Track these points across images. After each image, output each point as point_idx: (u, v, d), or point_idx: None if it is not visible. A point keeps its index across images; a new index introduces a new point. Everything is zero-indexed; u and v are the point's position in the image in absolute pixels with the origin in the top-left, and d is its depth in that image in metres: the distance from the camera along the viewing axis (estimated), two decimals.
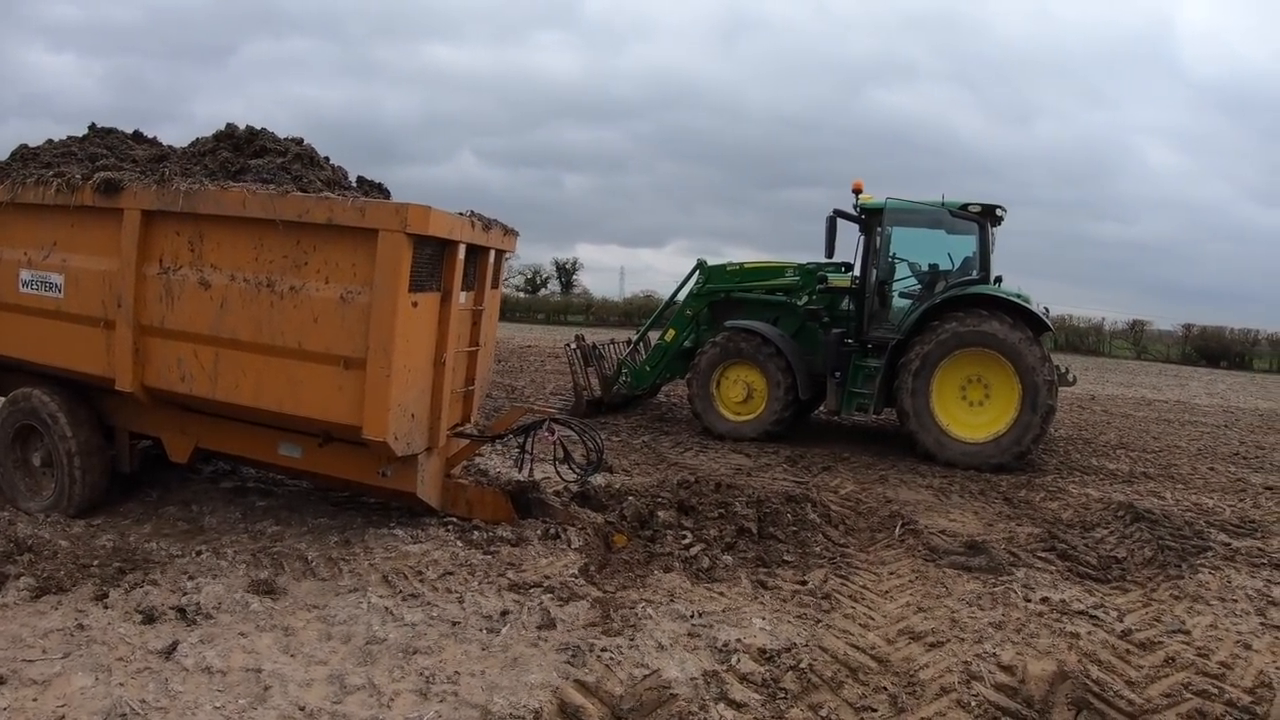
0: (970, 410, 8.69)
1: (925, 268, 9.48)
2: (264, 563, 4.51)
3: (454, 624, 3.96)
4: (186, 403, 4.81)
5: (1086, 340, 37.20)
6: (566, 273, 49.34)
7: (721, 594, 4.75)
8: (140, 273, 4.53)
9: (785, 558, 5.44)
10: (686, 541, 5.55)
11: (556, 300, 44.31)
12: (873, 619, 4.53)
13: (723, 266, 10.37)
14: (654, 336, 11.11)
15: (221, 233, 4.46)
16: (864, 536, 6.03)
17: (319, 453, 4.85)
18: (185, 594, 4.00)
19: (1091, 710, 3.66)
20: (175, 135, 5.48)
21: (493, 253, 5.49)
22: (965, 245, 9.27)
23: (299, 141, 5.07)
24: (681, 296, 10.74)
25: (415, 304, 4.47)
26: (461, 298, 5.00)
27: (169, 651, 3.46)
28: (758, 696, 3.59)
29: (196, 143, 4.97)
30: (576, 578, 4.70)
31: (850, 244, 9.90)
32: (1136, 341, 37.45)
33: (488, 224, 5.19)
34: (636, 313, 30.91)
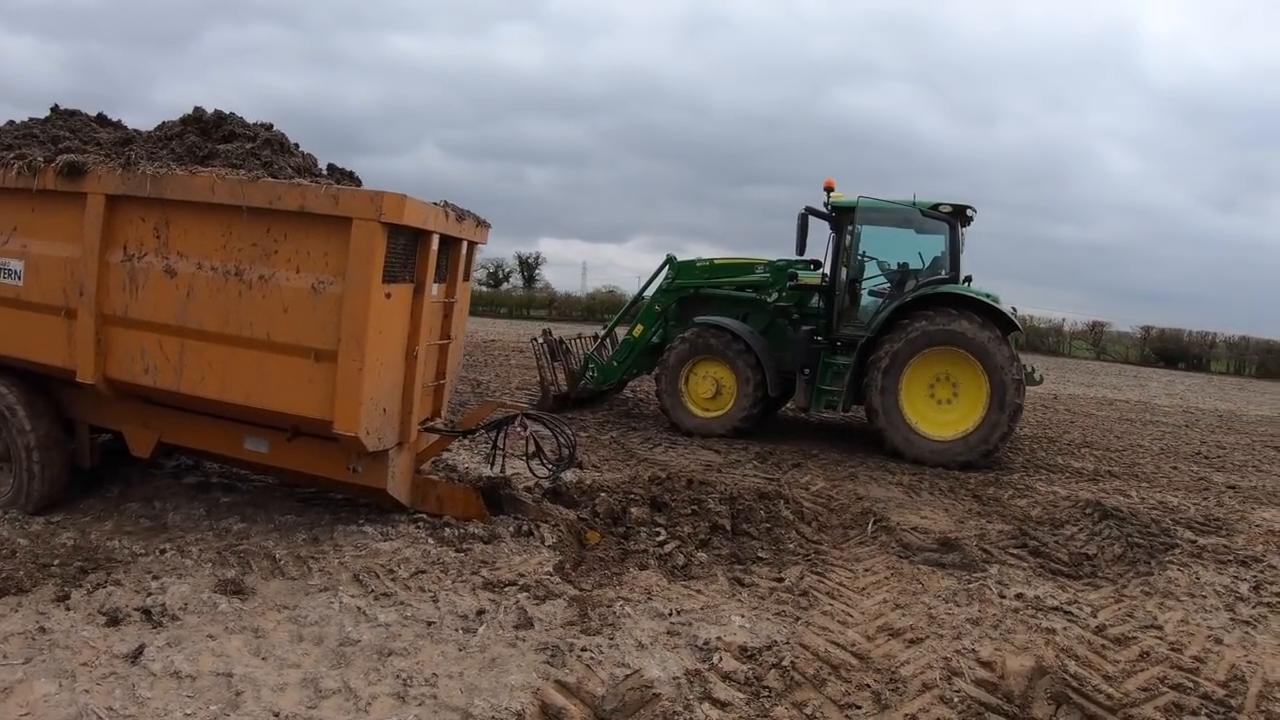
0: (938, 408, 8.77)
1: (894, 266, 9.54)
2: (231, 561, 4.37)
3: (429, 624, 3.87)
4: (150, 395, 4.64)
5: (1047, 340, 37.90)
6: (529, 267, 49.01)
7: (699, 591, 4.71)
8: (103, 260, 4.35)
9: (760, 555, 5.43)
10: (661, 539, 5.50)
11: (519, 295, 43.99)
12: (851, 616, 4.53)
13: (692, 262, 10.35)
14: (621, 332, 11.06)
15: (188, 219, 4.30)
16: (837, 533, 6.05)
17: (287, 448, 4.72)
18: (150, 594, 3.85)
19: (1071, 704, 3.70)
20: (135, 122, 5.25)
21: (465, 244, 5.39)
22: (934, 245, 9.36)
23: (268, 127, 4.92)
24: (650, 292, 10.68)
25: (388, 295, 4.36)
26: (434, 290, 4.90)
27: (135, 655, 3.33)
28: (741, 695, 3.56)
29: (163, 126, 4.79)
30: (552, 576, 4.63)
31: (820, 242, 9.96)
32: (1096, 342, 38.13)
33: (461, 215, 5.10)
34: (600, 308, 30.76)
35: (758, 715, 3.43)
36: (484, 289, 43.20)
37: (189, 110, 4.91)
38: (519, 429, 5.51)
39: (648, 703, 3.40)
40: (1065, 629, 4.49)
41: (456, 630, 3.85)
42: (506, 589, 4.36)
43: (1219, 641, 4.46)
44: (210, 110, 4.84)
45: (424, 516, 5.23)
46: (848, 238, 9.21)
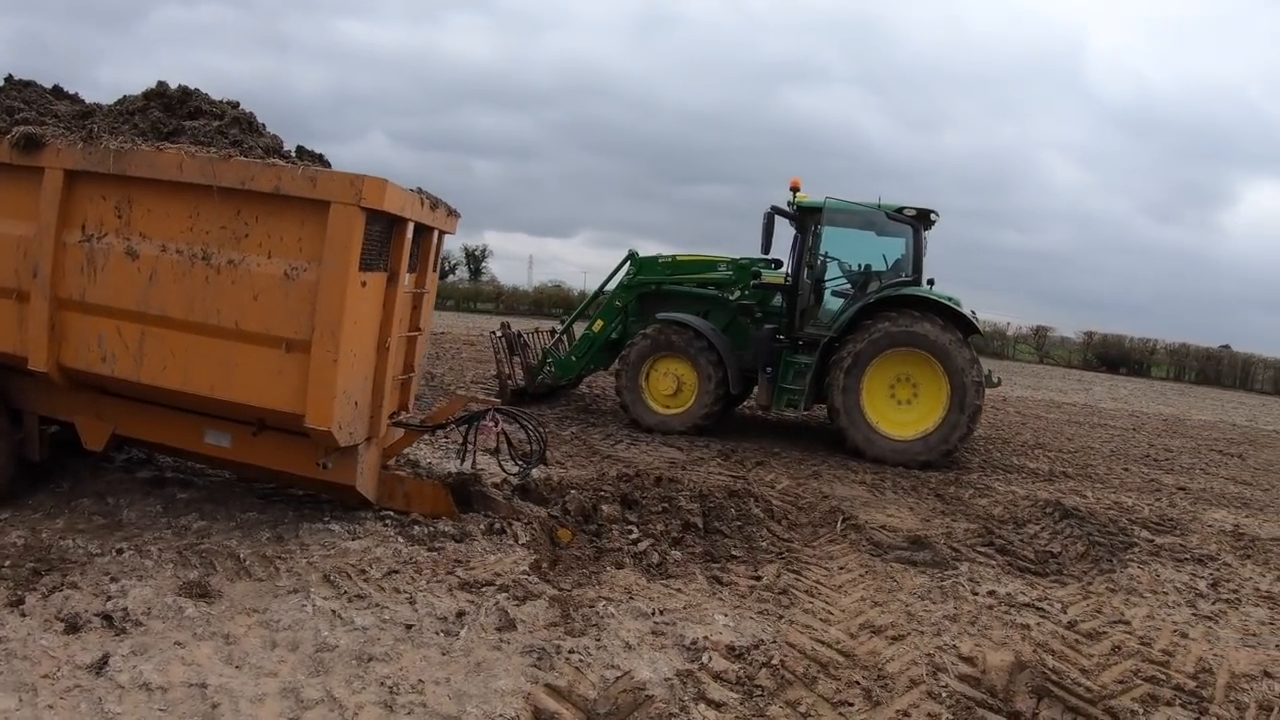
0: (898, 408, 8.87)
1: (857, 268, 9.61)
2: (193, 562, 4.14)
3: (408, 627, 3.72)
4: (106, 385, 4.38)
5: (991, 343, 38.87)
6: (476, 260, 48.42)
7: (679, 590, 4.65)
8: (60, 240, 4.09)
9: (734, 553, 5.40)
10: (634, 536, 5.43)
11: (466, 287, 43.38)
12: (832, 614, 4.52)
13: (654, 259, 10.30)
14: (580, 328, 10.96)
15: (153, 198, 4.07)
16: (807, 531, 6.05)
17: (251, 442, 4.51)
18: (110, 598, 3.61)
19: (1052, 697, 3.75)
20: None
21: (436, 233, 5.25)
22: (897, 247, 9.46)
23: (235, 105, 4.71)
24: (611, 287, 10.60)
25: (364, 284, 4.20)
26: (406, 279, 4.76)
27: (100, 666, 3.10)
28: (735, 695, 3.52)
29: (124, 100, 4.53)
30: (529, 575, 4.52)
31: (781, 238, 9.97)
32: (1039, 346, 39.10)
33: (435, 202, 4.95)
34: (547, 302, 30.51)
35: (753, 715, 3.38)
36: None
37: (135, 90, 4.67)
38: (490, 424, 5.38)
39: (641, 705, 3.33)
40: (1039, 624, 4.55)
41: (438, 633, 3.71)
42: (484, 589, 4.23)
43: (1185, 636, 4.57)
44: (174, 85, 4.60)
45: (391, 514, 5.05)
46: (812, 238, 9.25)
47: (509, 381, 9.98)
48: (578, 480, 6.28)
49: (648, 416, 9.45)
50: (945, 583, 5.12)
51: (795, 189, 9.27)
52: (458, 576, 4.34)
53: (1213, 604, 5.15)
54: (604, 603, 4.27)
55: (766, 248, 9.11)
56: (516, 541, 4.96)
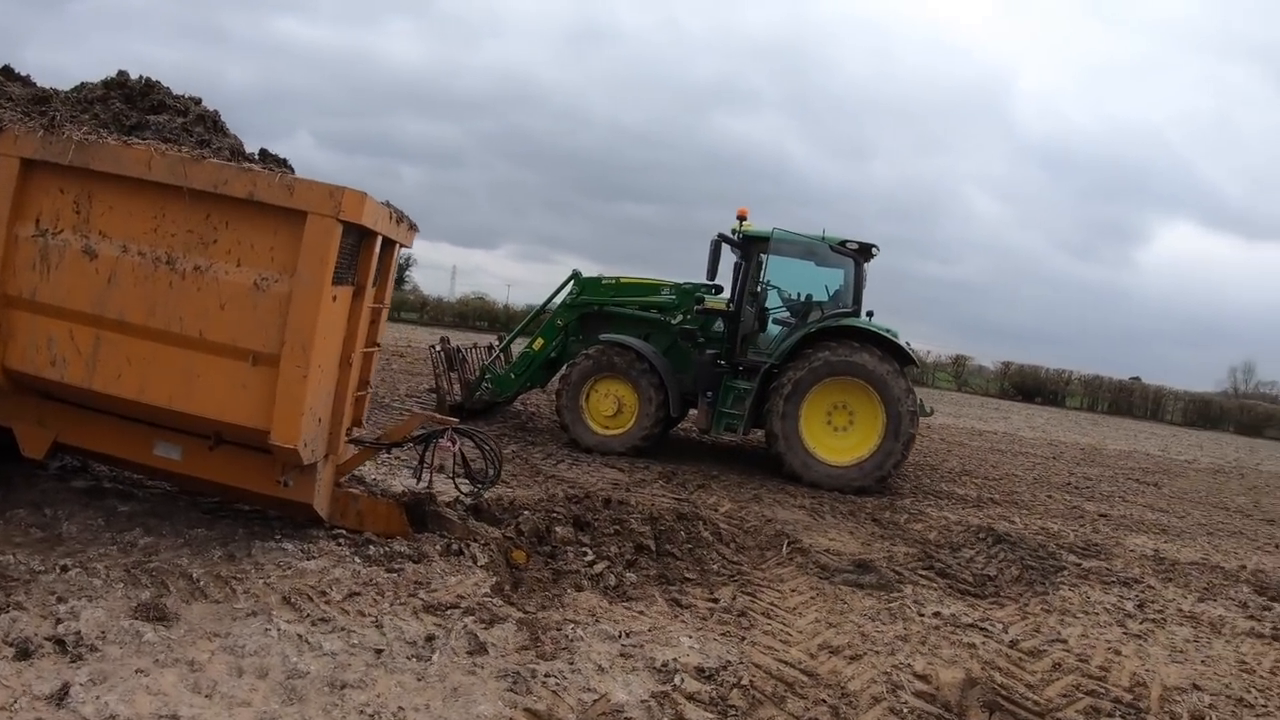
0: (835, 435, 9.10)
1: (796, 296, 9.85)
2: (143, 581, 3.93)
3: (378, 652, 3.61)
4: (53, 391, 4.15)
5: (912, 371, 39.76)
6: (400, 269, 47.46)
7: (641, 613, 4.67)
8: (11, 233, 3.85)
9: (687, 575, 5.45)
10: (589, 559, 5.42)
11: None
12: (790, 635, 4.61)
13: (598, 279, 10.35)
14: (519, 345, 10.91)
15: (115, 195, 3.89)
16: (754, 554, 6.14)
17: (205, 456, 4.31)
18: (61, 621, 3.37)
19: (1003, 711, 3.93)
20: None
21: (397, 247, 5.19)
22: (837, 278, 9.75)
23: (198, 101, 4.56)
24: (554, 306, 10.60)
25: (334, 298, 4.12)
26: (369, 294, 4.69)
27: (60, 696, 2.88)
28: (710, 715, 3.56)
29: (82, 88, 4.32)
30: (492, 598, 4.46)
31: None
32: (958, 375, 40.11)
33: (400, 216, 4.89)
34: (471, 314, 30.03)
35: None
36: None
37: (67, 73, 4.50)
38: (448, 444, 5.30)
39: None
40: (984, 644, 4.74)
41: (409, 658, 3.61)
42: (450, 612, 4.14)
43: (1118, 653, 4.84)
44: (136, 76, 4.44)
45: (344, 532, 4.91)
46: (755, 266, 9.45)
47: (447, 397, 9.84)
48: (528, 501, 6.22)
49: (587, 437, 9.44)
50: (892, 604, 5.28)
51: (742, 217, 9.47)
52: (420, 599, 4.24)
53: (1140, 623, 5.45)
54: (570, 625, 4.25)
55: (712, 274, 9.26)
56: (475, 563, 4.88)
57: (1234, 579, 7.11)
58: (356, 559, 4.60)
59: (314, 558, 4.55)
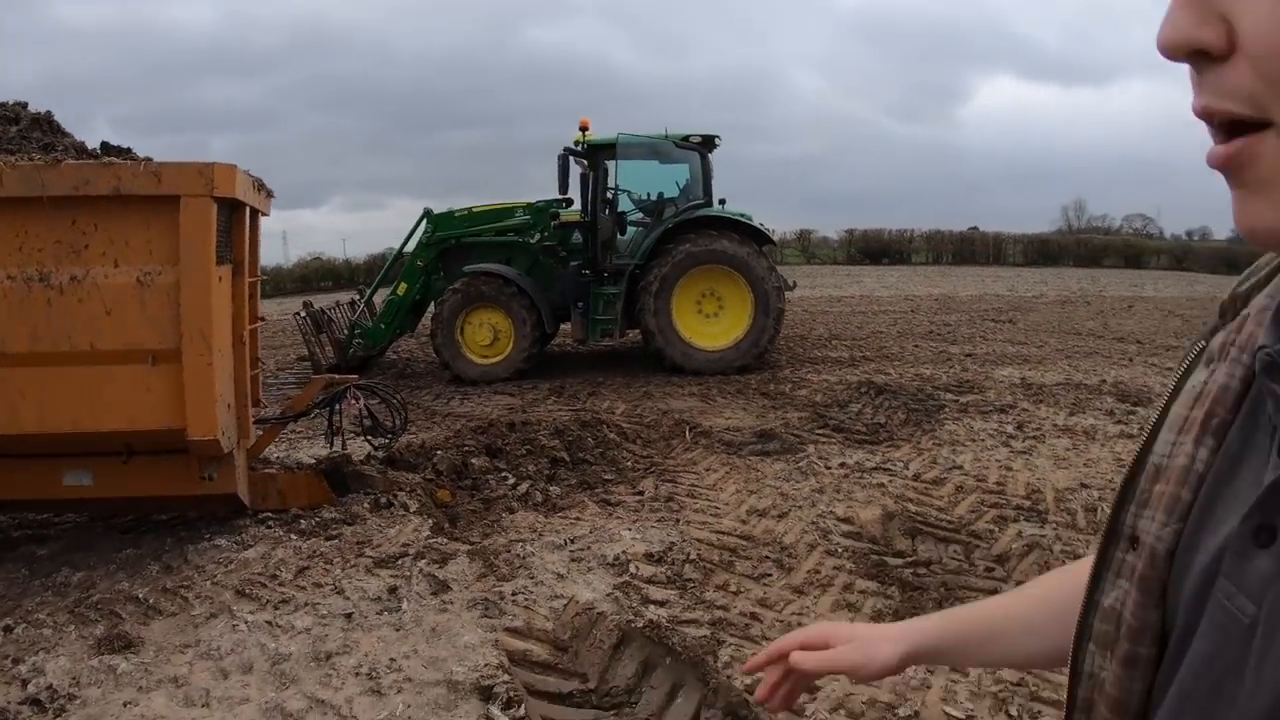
0: (707, 322, 9.49)
1: (649, 197, 10.03)
2: (92, 617, 3.72)
3: (348, 616, 3.67)
4: None
5: (771, 250, 40.55)
6: None
7: (578, 519, 4.90)
8: None
9: (605, 477, 5.70)
10: (511, 482, 5.59)
11: None
12: (718, 509, 4.97)
13: (450, 213, 10.17)
14: (380, 297, 10.66)
15: None
16: (661, 446, 6.45)
17: (120, 473, 4.10)
18: (27, 681, 3.18)
19: (923, 534, 4.43)
20: None
21: (259, 217, 4.98)
22: (684, 173, 9.98)
23: (24, 105, 4.19)
24: (410, 249, 10.37)
25: (220, 278, 3.97)
26: (248, 268, 4.51)
27: None
28: (673, 591, 3.85)
29: None
30: (435, 538, 4.57)
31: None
32: (805, 248, 40.95)
33: (260, 184, 4.69)
34: (313, 276, 28.44)
35: (695, 602, 3.74)
36: None
37: None
38: (352, 401, 5.25)
39: (598, 621, 3.56)
40: (890, 482, 5.27)
41: (380, 613, 3.70)
42: (400, 561, 4.22)
43: (1009, 469, 5.48)
44: None
45: (270, 514, 4.81)
46: (606, 173, 9.53)
47: (321, 361, 9.56)
48: (437, 441, 6.27)
49: (469, 369, 9.45)
50: (800, 464, 5.73)
51: (584, 128, 9.51)
52: (369, 557, 4.29)
53: (1023, 441, 6.16)
54: (518, 545, 4.43)
55: (564, 188, 9.29)
56: (408, 511, 4.94)
57: (1097, 392, 7.98)
58: (292, 536, 4.55)
59: (251, 546, 4.46)
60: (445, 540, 4.55)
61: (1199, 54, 0.47)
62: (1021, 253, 39.14)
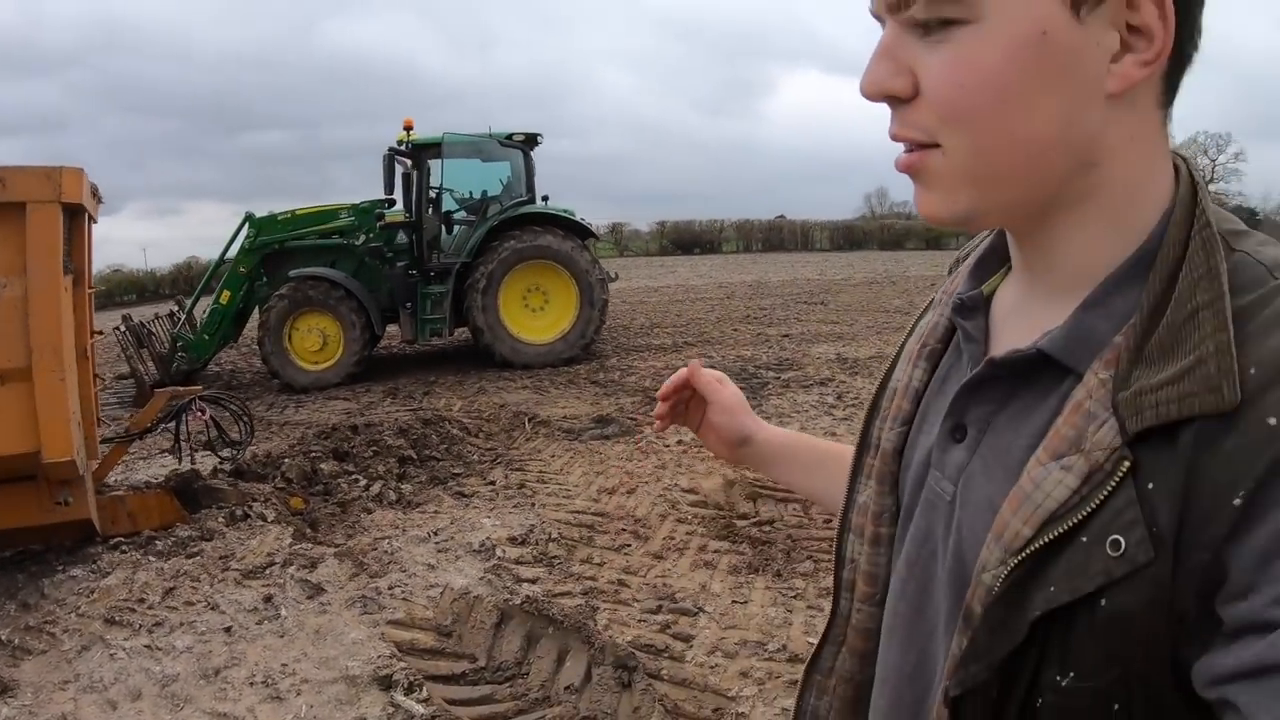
0: (534, 316, 9.82)
1: (470, 195, 10.19)
2: None
3: (228, 630, 3.71)
4: None
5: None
6: None
7: (436, 512, 5.13)
8: None
9: (454, 471, 5.94)
10: (363, 484, 5.70)
11: None
12: (570, 491, 5.35)
13: (273, 217, 9.85)
14: (202, 307, 10.18)
15: None
16: (504, 438, 6.75)
17: None
18: None
19: (763, 497, 4.99)
20: None
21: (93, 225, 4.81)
22: (506, 171, 10.20)
23: None
24: (231, 255, 9.96)
25: (66, 289, 3.87)
26: (88, 278, 4.40)
27: None
28: (542, 569, 4.20)
29: None
30: (300, 544, 4.64)
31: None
32: (618, 242, 41.38)
33: (94, 188, 4.54)
34: (116, 290, 25.95)
35: (564, 576, 4.11)
36: None
37: None
38: (199, 413, 5.18)
39: (476, 605, 3.84)
40: None
41: (260, 623, 3.77)
42: (269, 571, 4.28)
43: (834, 434, 6.20)
44: None
45: (122, 539, 4.65)
46: (429, 173, 9.61)
47: (145, 377, 9.03)
48: (282, 450, 6.25)
49: (300, 377, 9.27)
50: (640, 444, 6.23)
51: (409, 128, 9.53)
52: (235, 570, 4.31)
53: (844, 410, 6.96)
54: (384, 542, 4.61)
55: (389, 188, 9.29)
56: (266, 521, 4.96)
57: None
58: (151, 558, 4.47)
59: (109, 573, 4.33)
60: (310, 545, 4.64)
61: (893, 97, 0.60)
62: (828, 239, 41.15)
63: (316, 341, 9.35)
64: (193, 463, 5.29)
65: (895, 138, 0.61)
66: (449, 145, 9.66)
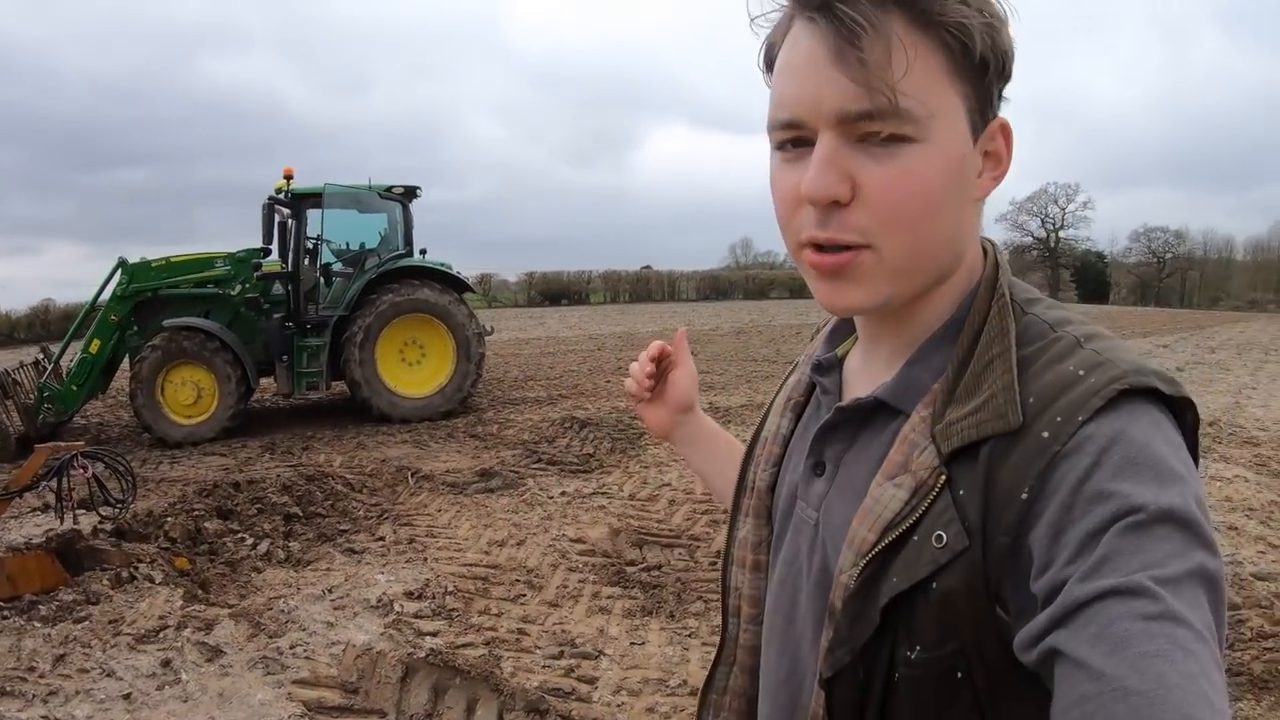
0: (411, 369, 9.96)
1: (346, 246, 10.26)
2: None
3: (127, 697, 3.70)
4: None
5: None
6: None
7: (328, 569, 5.27)
8: None
9: (341, 527, 6.07)
10: (249, 542, 5.74)
11: None
12: (460, 544, 5.60)
13: (147, 264, 9.55)
14: (70, 356, 9.73)
15: None
16: (388, 493, 6.91)
17: None
18: None
19: (649, 544, 5.38)
20: None
21: None
22: (384, 223, 10.35)
23: None
24: (102, 301, 9.58)
25: None
26: None
27: None
28: (442, 622, 4.44)
29: None
30: (190, 606, 4.66)
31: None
32: (486, 292, 40.84)
33: None
34: None
35: (465, 628, 4.37)
36: None
37: None
38: (81, 470, 5.12)
39: (379, 660, 4.01)
40: (610, 503, 6.23)
41: (160, 688, 3.76)
42: (163, 634, 4.28)
43: None
44: None
45: (1, 604, 4.54)
46: (309, 224, 9.64)
47: (10, 430, 8.52)
48: (163, 509, 6.18)
49: (174, 431, 9.00)
50: (524, 497, 6.53)
51: (289, 176, 9.54)
52: (127, 634, 4.28)
53: None
54: (279, 601, 4.71)
55: (269, 238, 9.23)
56: (154, 583, 4.94)
57: None
58: (35, 624, 4.39)
59: None
60: (202, 607, 4.67)
61: (834, 202, 0.65)
62: (695, 288, 42.15)
63: (191, 394, 9.13)
64: (75, 522, 5.20)
65: (824, 241, 0.67)
66: (329, 196, 9.73)
